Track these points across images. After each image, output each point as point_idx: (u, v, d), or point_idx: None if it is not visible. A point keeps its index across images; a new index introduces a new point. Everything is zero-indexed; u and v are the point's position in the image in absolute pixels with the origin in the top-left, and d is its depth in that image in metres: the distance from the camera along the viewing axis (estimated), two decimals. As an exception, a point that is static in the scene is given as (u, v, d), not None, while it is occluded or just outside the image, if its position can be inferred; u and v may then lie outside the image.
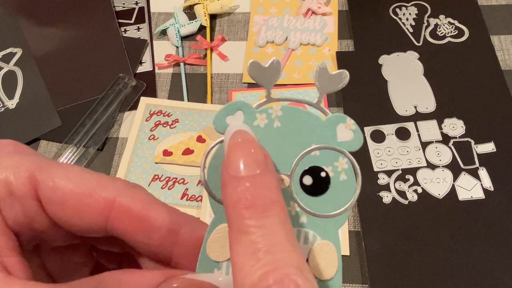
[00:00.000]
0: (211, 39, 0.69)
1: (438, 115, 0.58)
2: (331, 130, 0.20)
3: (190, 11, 0.72)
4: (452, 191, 0.53)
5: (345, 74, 0.20)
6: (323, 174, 0.20)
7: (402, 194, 0.53)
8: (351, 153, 0.20)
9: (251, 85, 0.64)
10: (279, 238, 0.16)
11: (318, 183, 0.20)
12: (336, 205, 0.20)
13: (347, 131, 0.20)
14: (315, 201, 0.20)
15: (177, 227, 0.20)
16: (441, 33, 0.65)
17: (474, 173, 0.54)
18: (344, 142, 0.20)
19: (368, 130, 0.58)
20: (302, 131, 0.20)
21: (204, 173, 0.20)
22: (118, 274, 0.17)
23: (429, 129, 0.57)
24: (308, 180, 0.20)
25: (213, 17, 0.71)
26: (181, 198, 0.55)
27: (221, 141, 0.20)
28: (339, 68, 0.63)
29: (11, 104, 0.64)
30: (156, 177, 0.56)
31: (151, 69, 0.67)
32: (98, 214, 0.19)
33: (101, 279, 0.17)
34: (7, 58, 0.68)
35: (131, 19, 0.72)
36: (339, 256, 0.20)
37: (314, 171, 0.20)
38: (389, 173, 0.54)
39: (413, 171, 0.54)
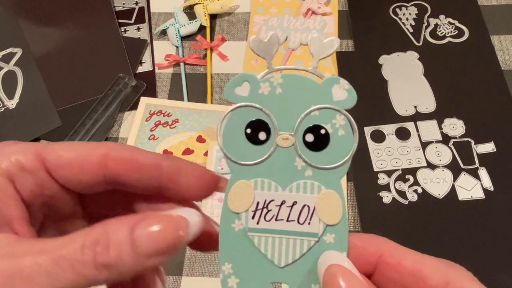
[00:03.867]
0: (211, 39, 0.69)
1: (438, 115, 0.58)
2: (327, 91, 0.22)
3: (190, 11, 0.72)
4: (452, 191, 0.53)
5: (336, 41, 0.23)
6: (323, 131, 0.22)
7: (402, 194, 0.53)
8: (347, 110, 0.23)
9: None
10: None
11: (319, 140, 0.22)
12: (336, 158, 0.22)
13: (341, 91, 0.22)
14: (318, 156, 0.23)
15: (160, 162, 0.23)
16: (441, 33, 0.65)
17: (474, 173, 0.54)
18: (340, 101, 0.22)
19: (368, 130, 0.58)
20: (301, 94, 0.22)
21: (220, 138, 0.23)
22: (109, 219, 0.21)
23: (429, 129, 0.57)
24: (310, 138, 0.22)
25: (213, 17, 0.71)
26: (181, 198, 0.55)
27: (233, 109, 0.23)
28: (339, 68, 0.63)
29: (11, 104, 0.64)
30: (156, 177, 0.56)
31: (151, 69, 0.67)
32: (97, 166, 0.23)
33: (95, 225, 0.20)
34: (7, 58, 0.68)
35: (131, 19, 0.72)
36: (344, 203, 0.22)
37: (315, 129, 0.22)
38: (389, 173, 0.54)
39: (413, 171, 0.54)
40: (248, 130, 0.23)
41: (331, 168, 0.22)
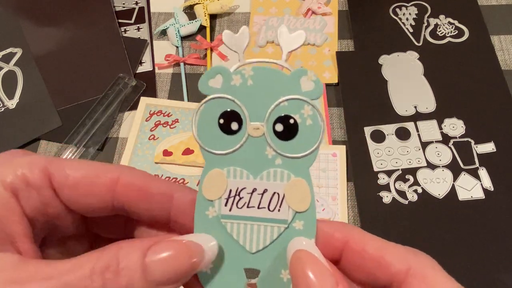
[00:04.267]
0: (211, 39, 0.69)
1: (438, 115, 0.58)
2: (295, 82, 0.23)
3: (190, 11, 0.72)
4: (452, 191, 0.53)
5: (303, 34, 0.24)
6: (291, 121, 0.23)
7: (402, 194, 0.53)
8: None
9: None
10: None
11: (288, 129, 0.23)
12: (305, 147, 0.23)
13: (309, 82, 0.23)
14: (287, 145, 0.23)
15: (172, 192, 0.23)
16: (441, 33, 0.65)
17: (474, 173, 0.54)
18: (308, 92, 0.23)
19: (368, 130, 0.58)
20: (271, 86, 0.23)
21: (195, 129, 0.24)
22: (119, 242, 0.20)
23: (429, 129, 0.57)
24: (279, 127, 0.23)
25: (213, 17, 0.71)
26: (181, 198, 0.55)
27: (207, 101, 0.23)
28: (339, 68, 0.63)
29: (11, 104, 0.64)
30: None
31: (151, 69, 0.67)
32: (106, 190, 0.22)
33: (105, 247, 0.19)
34: (7, 58, 0.68)
35: (131, 19, 0.72)
36: (312, 190, 0.23)
37: (284, 119, 0.23)
38: (389, 173, 0.54)
39: (413, 171, 0.54)
40: (221, 121, 0.23)
41: (300, 157, 0.23)
